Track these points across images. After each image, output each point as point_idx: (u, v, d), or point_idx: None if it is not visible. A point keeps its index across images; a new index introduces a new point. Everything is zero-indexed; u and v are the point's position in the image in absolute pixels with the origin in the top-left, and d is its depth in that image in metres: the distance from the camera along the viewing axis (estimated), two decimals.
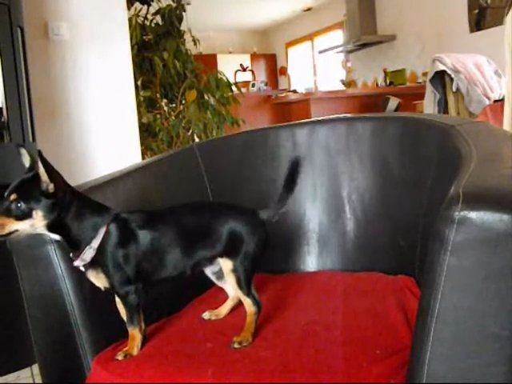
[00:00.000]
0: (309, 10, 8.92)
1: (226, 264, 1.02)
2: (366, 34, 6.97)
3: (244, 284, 1.01)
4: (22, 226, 0.89)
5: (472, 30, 5.46)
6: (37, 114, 2.05)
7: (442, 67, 3.27)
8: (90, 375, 0.98)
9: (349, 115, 1.59)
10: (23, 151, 0.98)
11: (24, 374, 1.83)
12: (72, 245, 0.95)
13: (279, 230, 1.46)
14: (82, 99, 2.52)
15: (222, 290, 1.31)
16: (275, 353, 0.91)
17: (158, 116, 3.55)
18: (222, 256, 1.02)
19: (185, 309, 1.19)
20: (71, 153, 2.50)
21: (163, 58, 3.40)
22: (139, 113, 3.05)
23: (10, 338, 1.80)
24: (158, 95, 3.58)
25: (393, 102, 5.27)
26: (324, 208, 1.44)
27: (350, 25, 7.26)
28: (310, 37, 9.33)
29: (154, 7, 3.65)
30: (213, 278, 1.13)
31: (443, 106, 3.32)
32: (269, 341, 0.96)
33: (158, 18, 3.61)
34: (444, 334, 0.67)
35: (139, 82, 3.42)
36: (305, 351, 0.91)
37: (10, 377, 1.81)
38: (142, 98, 3.44)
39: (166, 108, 3.66)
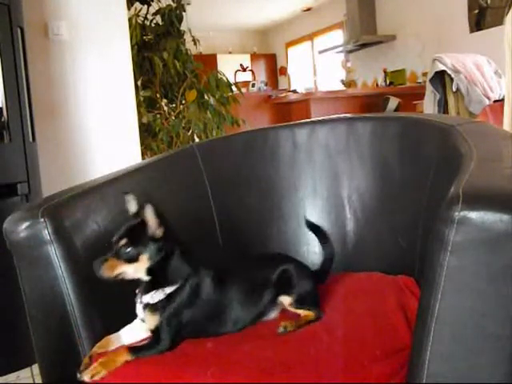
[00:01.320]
0: (309, 10, 8.92)
1: (284, 299, 1.08)
2: (365, 33, 6.97)
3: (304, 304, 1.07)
4: (128, 270, 0.95)
5: (472, 30, 5.46)
6: (37, 114, 2.05)
7: (441, 67, 3.27)
8: None
9: (349, 115, 1.59)
10: (129, 197, 1.02)
11: (24, 374, 1.83)
12: (153, 284, 0.99)
13: (280, 230, 1.47)
14: (81, 99, 2.52)
15: None
16: (275, 353, 0.91)
17: (158, 116, 3.54)
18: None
19: None
20: (71, 153, 2.50)
21: (163, 58, 3.40)
22: (139, 113, 3.05)
23: (10, 338, 1.80)
24: (157, 95, 3.58)
25: (393, 102, 5.27)
26: (324, 208, 1.44)
27: (350, 25, 7.25)
28: (309, 37, 9.32)
29: (154, 7, 3.65)
30: None
31: (443, 106, 3.32)
32: (269, 341, 0.96)
33: (158, 18, 3.61)
34: (444, 334, 0.67)
35: (139, 82, 3.42)
36: (305, 351, 0.91)
37: (10, 377, 1.81)
38: (142, 98, 3.44)
39: (165, 108, 3.66)
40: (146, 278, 0.98)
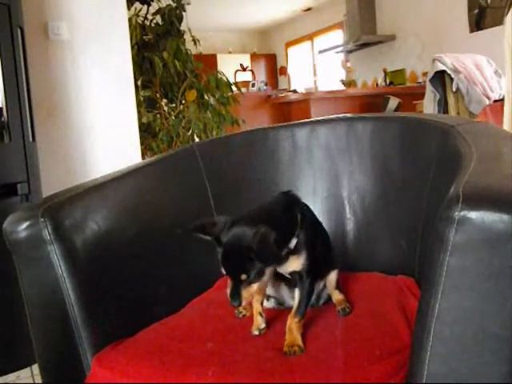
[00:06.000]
0: (309, 9, 8.92)
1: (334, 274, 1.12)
2: (365, 33, 6.97)
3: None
4: (259, 283, 0.92)
5: (472, 30, 5.46)
6: (37, 114, 2.05)
7: (441, 67, 3.27)
8: (89, 375, 0.98)
9: (349, 115, 1.59)
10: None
11: (24, 374, 1.83)
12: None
13: None
14: (81, 99, 2.52)
15: (222, 289, 1.31)
16: (276, 353, 0.91)
17: (158, 116, 3.55)
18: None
19: (185, 309, 1.19)
20: (71, 153, 2.50)
21: (163, 58, 3.40)
22: (139, 113, 3.05)
23: (10, 338, 1.80)
24: (158, 95, 3.58)
25: (393, 102, 5.27)
26: (324, 208, 1.43)
27: (350, 25, 7.26)
28: (309, 37, 9.33)
29: (154, 7, 3.65)
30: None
31: (443, 106, 3.33)
32: (269, 341, 0.96)
33: (158, 18, 3.61)
34: (444, 334, 0.67)
35: (139, 82, 3.42)
36: (305, 351, 0.91)
37: (10, 377, 1.81)
38: (142, 98, 3.44)
39: (165, 108, 3.66)
40: None
